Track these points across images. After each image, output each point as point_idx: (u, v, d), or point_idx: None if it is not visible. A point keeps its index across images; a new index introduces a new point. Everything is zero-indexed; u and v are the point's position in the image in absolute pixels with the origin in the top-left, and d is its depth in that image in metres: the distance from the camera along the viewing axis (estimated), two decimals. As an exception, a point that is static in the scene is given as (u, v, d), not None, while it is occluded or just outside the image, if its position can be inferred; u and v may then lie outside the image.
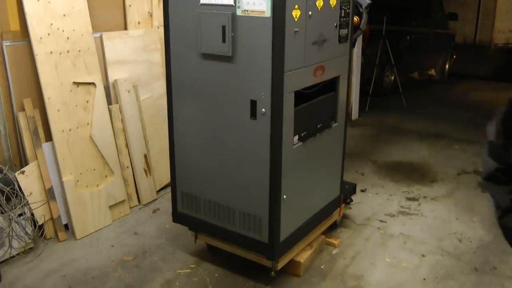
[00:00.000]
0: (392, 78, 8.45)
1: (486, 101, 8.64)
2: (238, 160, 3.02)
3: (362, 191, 4.75)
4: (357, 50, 6.82)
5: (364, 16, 3.66)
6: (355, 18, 3.59)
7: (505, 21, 13.76)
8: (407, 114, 7.60)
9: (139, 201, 4.38)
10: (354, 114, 7.13)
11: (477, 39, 14.53)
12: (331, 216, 3.76)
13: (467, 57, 11.89)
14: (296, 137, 3.01)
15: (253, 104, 2.82)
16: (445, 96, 9.08)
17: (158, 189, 4.55)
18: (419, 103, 8.29)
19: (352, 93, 6.93)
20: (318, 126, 3.24)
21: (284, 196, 2.97)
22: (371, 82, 7.61)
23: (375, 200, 4.59)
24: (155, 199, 4.47)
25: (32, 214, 3.63)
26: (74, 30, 3.78)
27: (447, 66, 10.45)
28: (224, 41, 2.80)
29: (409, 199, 4.65)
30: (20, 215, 3.54)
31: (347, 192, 3.93)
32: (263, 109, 2.79)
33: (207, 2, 2.87)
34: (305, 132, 3.09)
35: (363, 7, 3.65)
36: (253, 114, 2.84)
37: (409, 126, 6.96)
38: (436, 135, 6.57)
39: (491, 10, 14.04)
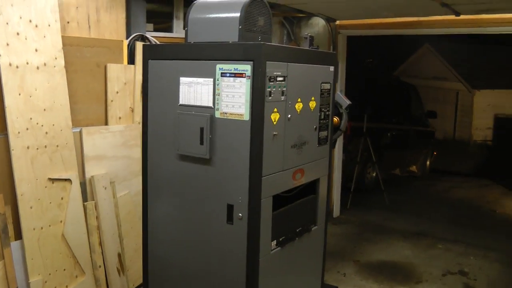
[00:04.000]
0: (374, 174, 8.47)
1: (469, 199, 8.65)
2: (214, 265, 2.90)
3: (345, 293, 4.58)
4: (339, 147, 6.86)
5: (344, 116, 3.69)
6: (335, 119, 3.61)
7: (482, 119, 14.13)
8: (390, 211, 7.53)
9: (110, 302, 4.15)
10: (336, 212, 7.05)
11: (456, 136, 14.85)
12: (312, 323, 3.57)
13: (448, 154, 12.07)
14: (274, 242, 2.91)
15: (230, 208, 2.75)
16: (427, 193, 9.09)
17: (131, 289, 4.35)
18: (401, 200, 8.26)
19: (333, 190, 6.89)
20: (297, 230, 3.15)
21: (261, 304, 2.82)
22: (353, 178, 7.60)
23: (358, 304, 4.42)
24: (128, 301, 4.25)
25: (-7, 319, 3.40)
26: (53, 125, 3.75)
27: (428, 163, 10.57)
28: (202, 143, 2.77)
29: (393, 303, 4.48)
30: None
31: (328, 297, 3.78)
32: (240, 214, 2.72)
33: (186, 103, 2.87)
34: (284, 237, 2.99)
35: (343, 107, 3.69)
36: (230, 218, 2.75)
37: (392, 224, 6.87)
38: (419, 234, 6.47)
39: (468, 108, 14.46)
